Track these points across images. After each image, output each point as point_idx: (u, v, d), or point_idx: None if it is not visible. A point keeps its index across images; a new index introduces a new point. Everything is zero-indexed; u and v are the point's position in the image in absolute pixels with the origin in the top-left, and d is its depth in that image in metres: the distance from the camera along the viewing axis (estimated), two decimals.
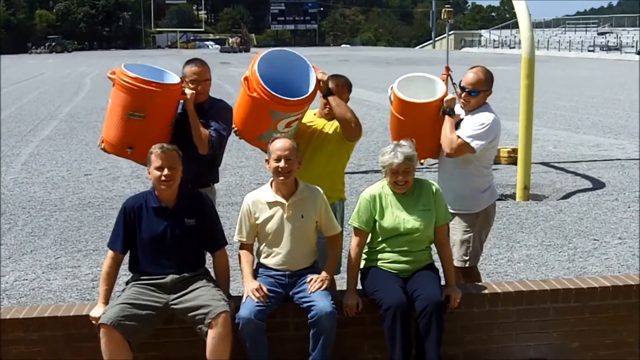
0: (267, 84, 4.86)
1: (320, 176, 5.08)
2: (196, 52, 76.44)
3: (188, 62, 5.35)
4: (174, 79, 5.20)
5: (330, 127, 5.25)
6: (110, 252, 4.77)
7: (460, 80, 5.37)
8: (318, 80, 5.05)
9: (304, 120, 5.22)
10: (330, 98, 5.15)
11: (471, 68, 5.38)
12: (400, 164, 4.73)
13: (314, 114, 5.31)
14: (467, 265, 5.42)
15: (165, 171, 4.60)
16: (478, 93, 5.25)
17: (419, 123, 5.24)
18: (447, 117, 5.22)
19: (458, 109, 5.38)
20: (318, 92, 5.12)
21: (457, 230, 5.33)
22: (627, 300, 5.13)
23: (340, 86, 5.30)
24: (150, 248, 4.71)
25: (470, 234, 5.38)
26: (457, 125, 5.27)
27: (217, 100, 5.40)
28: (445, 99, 5.22)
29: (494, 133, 5.27)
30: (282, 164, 4.66)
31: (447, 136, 5.20)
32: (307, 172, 5.03)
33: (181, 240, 4.72)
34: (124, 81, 4.95)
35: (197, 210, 4.78)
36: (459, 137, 5.16)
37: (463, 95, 5.30)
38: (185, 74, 5.25)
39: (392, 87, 5.31)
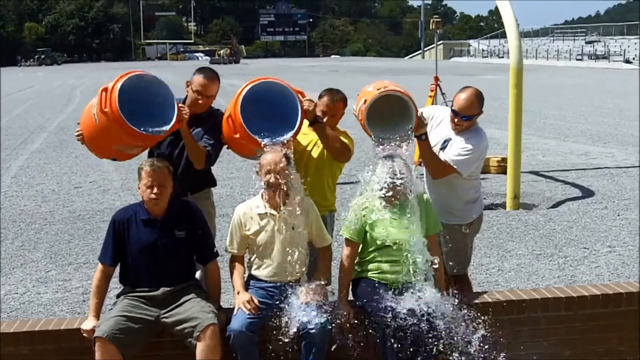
0: (252, 116, 4.77)
1: (312, 189, 5.07)
2: (186, 64, 76.45)
3: (200, 70, 5.23)
4: (170, 100, 4.84)
5: None
6: (100, 266, 4.77)
7: (452, 102, 5.28)
8: (304, 111, 4.91)
9: None
10: (317, 129, 5.08)
11: (463, 89, 5.25)
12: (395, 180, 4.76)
13: (308, 126, 5.26)
14: (460, 272, 5.47)
15: (155, 190, 4.61)
16: (471, 118, 5.22)
17: None
18: (421, 142, 5.08)
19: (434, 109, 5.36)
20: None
21: (450, 241, 5.34)
22: (618, 309, 5.15)
23: (335, 102, 5.26)
24: (140, 260, 4.71)
25: (463, 244, 5.43)
26: (444, 145, 5.26)
27: (215, 110, 5.33)
28: (418, 129, 4.98)
29: (482, 155, 5.31)
30: (272, 179, 4.67)
31: (434, 161, 5.18)
32: None
33: (171, 252, 4.72)
34: (122, 128, 4.59)
35: (187, 222, 4.78)
36: (446, 161, 5.16)
37: (456, 120, 5.22)
38: (193, 82, 5.15)
39: (363, 106, 4.95)
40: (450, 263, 5.38)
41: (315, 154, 5.27)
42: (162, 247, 4.69)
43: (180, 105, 4.88)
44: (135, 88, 4.75)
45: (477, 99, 5.21)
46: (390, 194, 4.79)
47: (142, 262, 4.70)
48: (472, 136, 5.24)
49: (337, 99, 5.27)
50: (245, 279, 4.89)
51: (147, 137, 4.73)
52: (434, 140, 5.28)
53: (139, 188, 4.70)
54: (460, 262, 5.45)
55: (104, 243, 4.83)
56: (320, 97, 5.24)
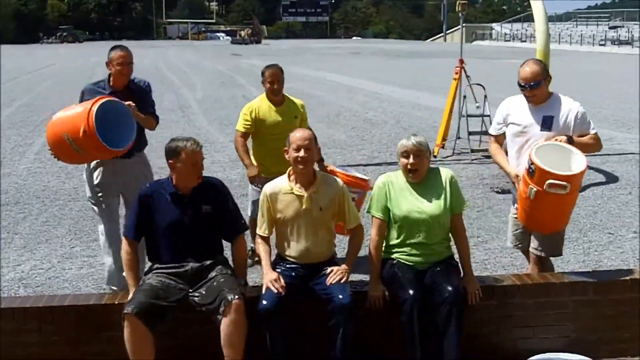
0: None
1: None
2: (207, 44, 76.50)
3: (113, 48, 5.99)
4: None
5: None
6: (125, 240, 4.82)
7: (518, 81, 5.34)
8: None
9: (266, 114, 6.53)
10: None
11: (522, 64, 5.38)
12: (412, 146, 4.78)
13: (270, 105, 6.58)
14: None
15: (198, 169, 4.76)
16: (539, 83, 5.28)
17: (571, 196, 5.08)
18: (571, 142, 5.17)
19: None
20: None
21: None
22: None
23: (274, 70, 6.51)
24: (167, 235, 4.74)
25: None
26: (546, 123, 5.30)
27: (138, 80, 6.14)
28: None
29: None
30: (302, 153, 4.69)
31: (587, 146, 5.32)
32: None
33: (198, 228, 4.75)
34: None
35: (213, 198, 4.82)
36: (590, 135, 5.38)
37: (527, 93, 5.30)
38: (112, 58, 5.89)
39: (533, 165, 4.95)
40: (540, 246, 5.43)
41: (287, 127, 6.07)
42: (189, 222, 4.72)
43: (128, 103, 5.70)
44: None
45: (538, 65, 5.35)
46: (410, 169, 4.83)
47: (169, 238, 4.73)
48: (568, 101, 5.40)
49: (274, 68, 6.56)
50: (273, 259, 4.91)
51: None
52: (525, 121, 5.36)
53: (174, 167, 4.73)
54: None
55: (129, 217, 4.87)
56: (262, 74, 6.55)
